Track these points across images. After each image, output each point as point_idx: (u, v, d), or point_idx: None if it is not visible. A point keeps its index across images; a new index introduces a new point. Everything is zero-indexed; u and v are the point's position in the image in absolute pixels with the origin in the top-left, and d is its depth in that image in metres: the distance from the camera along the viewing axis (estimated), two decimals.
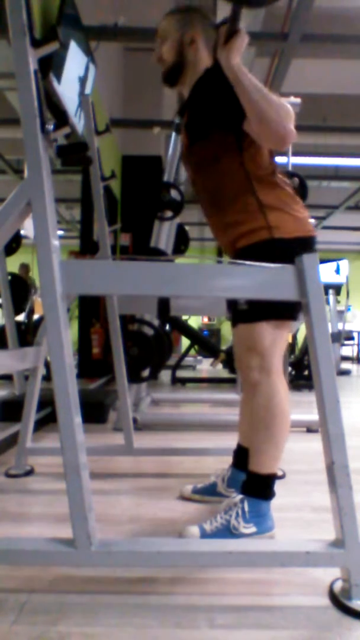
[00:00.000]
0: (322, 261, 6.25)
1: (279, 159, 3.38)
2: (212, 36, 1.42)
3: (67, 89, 1.45)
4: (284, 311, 1.32)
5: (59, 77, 1.24)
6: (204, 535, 1.26)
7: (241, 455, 1.50)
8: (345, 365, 7.81)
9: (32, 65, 1.00)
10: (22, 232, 3.02)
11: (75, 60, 1.49)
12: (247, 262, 1.06)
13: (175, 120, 3.02)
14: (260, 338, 1.31)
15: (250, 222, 1.32)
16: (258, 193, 1.32)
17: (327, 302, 6.26)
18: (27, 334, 3.95)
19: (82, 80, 1.64)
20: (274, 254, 1.25)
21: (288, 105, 1.21)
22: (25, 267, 4.36)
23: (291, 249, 1.20)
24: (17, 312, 3.61)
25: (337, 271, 6.41)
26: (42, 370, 1.83)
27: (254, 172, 1.33)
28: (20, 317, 3.88)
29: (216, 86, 1.28)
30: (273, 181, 1.34)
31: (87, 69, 1.60)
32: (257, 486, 1.31)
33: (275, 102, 1.19)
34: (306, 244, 1.32)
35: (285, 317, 1.32)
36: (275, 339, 1.32)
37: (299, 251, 1.07)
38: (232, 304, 1.41)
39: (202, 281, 1.04)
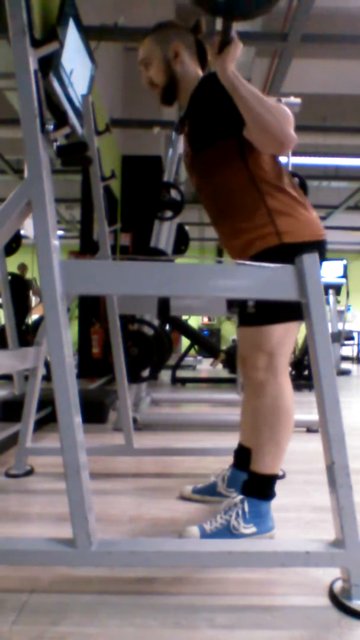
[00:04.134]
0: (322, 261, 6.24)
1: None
2: (191, 41, 1.42)
3: (70, 90, 1.46)
4: (291, 313, 1.30)
5: (62, 78, 1.24)
6: (204, 535, 1.26)
7: (242, 456, 1.50)
8: (345, 365, 7.81)
9: (32, 65, 1.00)
10: (22, 232, 3.02)
11: (76, 60, 1.50)
12: (247, 262, 1.06)
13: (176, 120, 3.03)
14: (269, 338, 1.30)
15: (259, 228, 1.30)
16: (265, 198, 1.30)
17: (327, 302, 6.26)
18: (27, 334, 3.95)
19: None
20: (285, 259, 1.19)
21: (287, 110, 1.20)
22: (23, 267, 4.36)
23: (301, 254, 1.18)
24: (21, 313, 3.61)
25: (338, 271, 6.41)
26: (42, 370, 1.83)
27: (260, 176, 1.31)
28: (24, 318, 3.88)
29: (214, 94, 1.27)
30: (279, 185, 1.32)
31: (87, 69, 1.61)
32: (258, 486, 1.31)
33: (274, 107, 1.18)
34: (317, 249, 1.29)
35: (293, 318, 1.31)
36: (283, 339, 1.32)
37: None
38: (239, 307, 1.39)
39: (202, 281, 1.04)
